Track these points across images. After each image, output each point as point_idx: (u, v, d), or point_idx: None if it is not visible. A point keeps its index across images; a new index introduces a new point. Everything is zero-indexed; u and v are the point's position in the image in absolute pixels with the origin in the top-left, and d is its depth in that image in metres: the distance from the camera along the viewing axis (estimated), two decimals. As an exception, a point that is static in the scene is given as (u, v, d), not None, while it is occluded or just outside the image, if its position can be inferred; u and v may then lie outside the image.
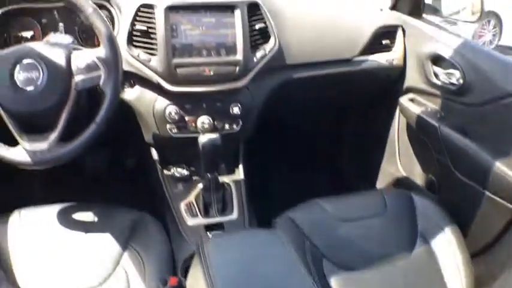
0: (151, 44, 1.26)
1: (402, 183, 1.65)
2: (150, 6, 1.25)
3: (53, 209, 1.24)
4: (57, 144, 1.06)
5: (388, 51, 1.55)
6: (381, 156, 1.75)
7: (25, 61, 1.04)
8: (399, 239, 1.22)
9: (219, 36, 1.29)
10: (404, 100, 1.57)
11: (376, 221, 1.24)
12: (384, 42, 1.53)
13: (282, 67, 1.40)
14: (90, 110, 1.13)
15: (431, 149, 1.49)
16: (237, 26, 1.29)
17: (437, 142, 1.42)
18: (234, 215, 1.32)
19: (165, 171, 1.42)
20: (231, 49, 1.30)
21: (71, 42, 1.29)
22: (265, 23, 1.33)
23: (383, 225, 1.23)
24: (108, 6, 1.32)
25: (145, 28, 1.25)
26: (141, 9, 1.26)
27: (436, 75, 1.45)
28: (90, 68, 1.07)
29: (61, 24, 1.35)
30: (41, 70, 1.04)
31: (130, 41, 1.26)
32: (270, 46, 1.34)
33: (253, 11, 1.32)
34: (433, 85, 1.47)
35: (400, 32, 1.56)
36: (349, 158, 1.96)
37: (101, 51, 1.09)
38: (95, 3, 1.30)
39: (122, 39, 1.25)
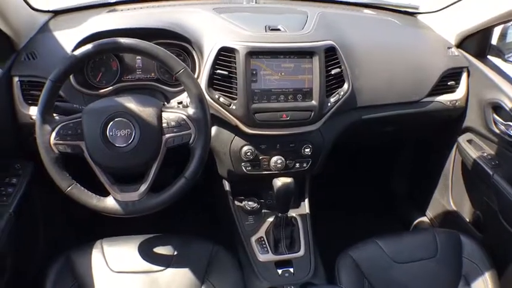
0: (231, 88, 1.20)
1: (451, 216, 1.60)
2: (231, 51, 1.19)
3: (134, 240, 1.23)
4: (147, 196, 1.05)
5: (452, 92, 1.46)
6: (434, 187, 1.68)
7: (118, 119, 1.01)
8: (445, 281, 1.24)
9: (297, 81, 1.23)
10: (462, 140, 1.49)
11: (427, 263, 1.24)
12: (449, 83, 1.44)
13: (353, 109, 1.34)
14: (179, 162, 1.11)
15: (482, 191, 1.44)
16: (314, 71, 1.22)
17: (489, 188, 1.37)
18: (301, 251, 1.29)
19: (237, 203, 1.38)
20: (308, 94, 1.23)
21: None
22: (340, 67, 1.26)
23: (433, 268, 1.24)
24: (190, 48, 1.27)
25: (226, 73, 1.20)
26: (222, 53, 1.20)
27: (495, 123, 1.38)
28: (181, 126, 1.03)
29: (139, 61, 1.31)
30: (133, 128, 1.01)
31: (211, 84, 1.21)
32: (343, 90, 1.27)
33: (330, 56, 1.24)
34: (491, 132, 1.39)
35: (465, 74, 1.47)
36: (404, 186, 1.90)
37: (191, 111, 1.05)
38: (176, 44, 1.29)
39: (202, 82, 1.20)
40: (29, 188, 1.24)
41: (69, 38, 1.24)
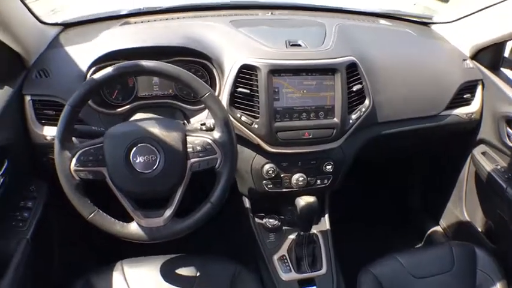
0: (252, 106, 1.16)
1: (464, 226, 1.59)
2: (253, 68, 1.15)
3: (155, 261, 1.18)
4: (172, 221, 1.00)
5: (468, 105, 1.44)
6: (448, 198, 1.67)
7: (141, 145, 0.97)
8: None
9: (319, 99, 1.19)
10: (477, 152, 1.48)
11: (444, 277, 1.23)
12: (465, 96, 1.42)
13: (373, 124, 1.30)
14: (203, 185, 1.07)
15: (496, 203, 1.43)
16: (336, 88, 1.19)
17: (502, 200, 1.36)
18: (323, 269, 1.26)
19: (257, 220, 1.35)
20: (330, 112, 1.20)
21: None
22: (361, 83, 1.22)
23: (450, 282, 1.23)
24: (210, 66, 1.22)
25: (248, 91, 1.16)
26: (243, 70, 1.16)
27: (508, 136, 1.36)
28: (207, 151, 0.99)
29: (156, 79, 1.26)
30: (157, 154, 0.97)
31: (232, 102, 1.17)
32: (365, 107, 1.24)
33: (351, 72, 1.21)
34: (505, 145, 1.38)
35: (479, 86, 1.45)
36: (418, 197, 1.88)
37: (217, 135, 1.01)
38: (196, 62, 1.24)
39: (224, 100, 1.16)
40: (45, 211, 1.19)
41: (83, 55, 1.19)
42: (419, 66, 1.39)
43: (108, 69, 0.96)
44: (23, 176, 1.20)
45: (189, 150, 0.99)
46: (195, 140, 1.00)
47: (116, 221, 1.00)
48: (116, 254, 1.22)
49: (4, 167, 1.07)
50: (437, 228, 1.71)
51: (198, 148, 0.99)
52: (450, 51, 1.48)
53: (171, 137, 0.98)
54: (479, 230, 1.54)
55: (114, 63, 1.15)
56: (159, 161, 0.97)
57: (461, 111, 1.44)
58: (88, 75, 1.17)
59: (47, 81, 1.17)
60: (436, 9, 1.79)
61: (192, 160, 0.99)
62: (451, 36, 1.53)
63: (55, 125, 1.16)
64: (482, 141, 1.49)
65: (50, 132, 1.17)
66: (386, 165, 1.84)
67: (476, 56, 1.48)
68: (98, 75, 0.96)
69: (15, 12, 1.09)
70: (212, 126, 1.08)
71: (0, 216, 1.10)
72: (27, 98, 1.15)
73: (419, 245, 1.73)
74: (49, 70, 1.18)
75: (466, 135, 1.50)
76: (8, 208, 1.13)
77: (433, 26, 1.60)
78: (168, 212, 1.00)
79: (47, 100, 1.16)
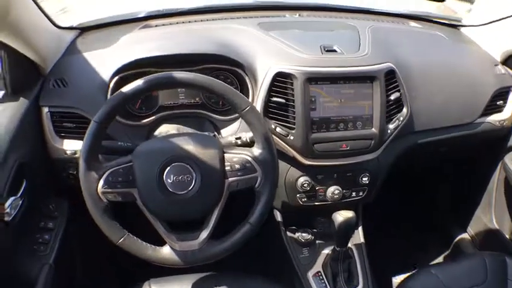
0: (287, 117, 1.08)
1: (493, 234, 1.53)
2: (288, 76, 1.06)
3: (184, 281, 1.09)
4: (208, 244, 0.92)
5: (500, 111, 1.38)
6: (477, 204, 1.61)
7: (176, 164, 0.88)
8: None
9: (357, 108, 1.11)
10: (508, 159, 1.42)
11: None
12: (498, 103, 1.36)
13: (409, 134, 1.23)
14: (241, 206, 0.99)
15: None
16: (374, 97, 1.11)
17: None
18: (360, 286, 1.18)
19: (289, 234, 1.26)
20: (368, 121, 1.12)
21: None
22: (399, 91, 1.15)
23: None
24: (242, 74, 1.12)
25: (283, 100, 1.07)
26: (278, 78, 1.07)
27: None
28: (246, 169, 0.91)
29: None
30: (193, 173, 0.88)
31: (266, 112, 1.08)
32: (403, 116, 1.16)
33: (389, 79, 1.13)
34: None
35: (511, 92, 1.38)
36: (447, 204, 1.81)
37: (257, 152, 0.92)
38: (226, 69, 1.14)
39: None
40: (66, 231, 1.10)
41: (104, 63, 1.09)
42: (454, 72, 1.31)
43: (138, 82, 0.86)
44: (42, 194, 1.10)
45: (227, 168, 0.90)
46: (233, 158, 0.91)
47: (148, 245, 0.91)
48: (142, 272, 1.13)
49: (23, 187, 0.97)
50: (465, 235, 1.65)
51: (237, 166, 0.91)
52: (482, 55, 1.41)
53: (207, 154, 0.89)
54: (508, 238, 1.49)
55: (139, 72, 1.07)
56: (195, 181, 0.88)
57: (494, 118, 1.37)
58: (111, 85, 1.07)
59: (65, 91, 1.07)
60: (459, 10, 1.71)
61: (230, 179, 0.91)
62: (481, 40, 1.46)
63: (75, 138, 1.07)
64: None
65: (69, 146, 1.07)
66: (415, 173, 1.78)
67: (506, 61, 1.41)
68: (127, 88, 0.86)
69: (29, 16, 0.99)
70: (248, 140, 1.00)
71: (20, 240, 1.00)
72: (45, 109, 1.05)
73: (446, 252, 1.68)
74: (67, 79, 1.08)
75: (497, 142, 1.44)
76: (27, 230, 1.04)
77: (462, 29, 1.53)
78: (204, 235, 0.92)
79: (67, 112, 1.06)
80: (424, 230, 1.77)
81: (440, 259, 1.67)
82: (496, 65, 1.40)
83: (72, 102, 1.06)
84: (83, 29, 1.26)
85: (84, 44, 1.19)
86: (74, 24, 1.25)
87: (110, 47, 1.14)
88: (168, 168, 0.88)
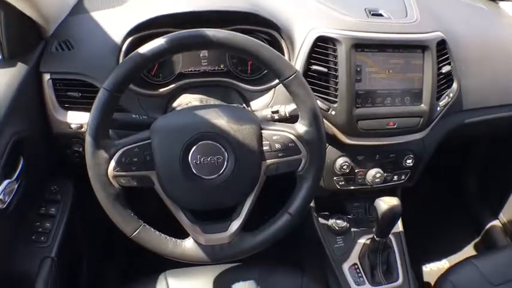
0: (328, 88, 0.91)
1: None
2: (331, 41, 0.89)
3: (205, 272, 0.93)
4: (239, 236, 0.75)
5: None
6: (509, 191, 1.46)
7: (204, 142, 0.70)
8: None
9: (405, 81, 0.94)
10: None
11: None
12: (544, 80, 1.22)
13: (457, 112, 1.07)
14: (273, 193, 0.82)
15: None
16: (425, 69, 0.94)
17: None
18: (400, 280, 1.03)
19: (322, 221, 1.09)
20: (417, 97, 0.95)
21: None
22: (450, 64, 0.98)
23: None
24: (277, 37, 0.94)
25: (325, 69, 0.90)
26: (319, 44, 0.90)
27: None
28: (288, 149, 0.73)
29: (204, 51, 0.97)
30: (225, 154, 0.70)
31: (305, 83, 0.92)
32: (453, 92, 1.00)
33: (440, 51, 0.97)
34: None
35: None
36: (477, 186, 1.64)
37: (302, 129, 0.74)
38: (261, 31, 0.94)
39: None
40: (71, 218, 0.91)
41: (116, 21, 0.90)
42: (500, 47, 1.14)
43: (160, 41, 0.67)
44: (42, 175, 0.91)
45: (266, 148, 0.73)
46: (273, 136, 0.73)
47: (168, 237, 0.74)
48: (158, 262, 0.95)
49: (19, 168, 0.78)
50: (497, 222, 1.51)
51: (277, 146, 0.73)
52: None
53: (242, 131, 0.71)
54: None
55: (156, 33, 0.87)
56: (227, 163, 0.71)
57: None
58: (124, 48, 0.88)
59: (71, 54, 0.88)
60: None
61: (269, 161, 0.73)
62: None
63: (81, 109, 0.88)
64: None
65: (75, 118, 0.89)
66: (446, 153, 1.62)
67: None
68: (145, 48, 0.67)
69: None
70: (288, 115, 0.82)
71: (16, 230, 0.82)
72: (46, 76, 0.87)
73: (477, 239, 1.53)
74: (73, 41, 0.89)
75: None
76: (25, 218, 0.85)
77: (500, 3, 1.37)
78: (235, 226, 0.75)
79: (71, 79, 0.87)
80: (454, 216, 1.62)
81: (471, 248, 1.53)
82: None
83: (78, 67, 0.87)
84: (92, -15, 1.05)
85: (91, 2, 0.99)
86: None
87: (123, 4, 0.94)
88: (195, 147, 0.70)
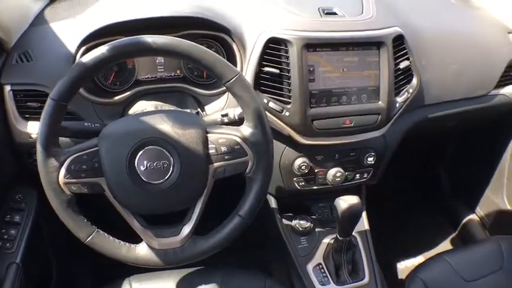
0: (282, 89, 0.87)
1: (505, 215, 1.33)
2: (283, 43, 0.85)
3: (169, 277, 0.91)
4: (191, 240, 0.73)
5: (515, 82, 1.17)
6: (486, 184, 1.39)
7: (149, 147, 0.68)
8: None
9: (361, 79, 0.90)
10: (524, 135, 1.22)
11: (495, 277, 1.00)
12: (512, 73, 1.15)
13: (419, 108, 1.02)
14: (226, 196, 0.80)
15: None
16: (381, 65, 0.90)
17: None
18: (366, 279, 0.99)
19: (285, 222, 1.05)
20: (374, 94, 0.91)
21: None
22: (409, 59, 0.94)
23: (502, 281, 1.01)
24: (229, 40, 0.91)
25: (277, 71, 0.86)
26: (271, 45, 0.86)
27: None
28: (234, 152, 0.71)
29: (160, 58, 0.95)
30: (171, 158, 0.68)
31: (257, 85, 0.87)
32: (412, 87, 0.95)
33: (398, 46, 0.92)
34: None
35: (527, 61, 1.17)
36: (451, 181, 1.58)
37: (247, 131, 0.71)
38: (210, 36, 0.91)
39: None
40: (36, 225, 0.90)
41: (71, 32, 0.87)
42: (466, 40, 1.09)
43: (101, 50, 0.66)
44: (6, 184, 0.90)
45: (212, 152, 0.71)
46: (219, 139, 0.71)
47: (121, 243, 0.72)
48: (123, 268, 0.93)
49: None
50: (473, 216, 1.44)
51: (223, 149, 0.71)
52: (493, 22, 1.18)
53: (187, 135, 0.69)
54: None
55: (109, 41, 0.85)
56: (173, 168, 0.69)
57: (509, 90, 1.15)
58: (77, 58, 0.86)
59: (30, 66, 0.86)
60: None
61: (216, 165, 0.71)
62: (491, 5, 1.23)
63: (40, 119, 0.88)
64: None
65: (34, 128, 0.87)
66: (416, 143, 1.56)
67: None
68: (87, 57, 0.66)
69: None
70: (237, 118, 0.79)
71: None
72: (7, 88, 0.85)
73: (453, 234, 1.47)
74: (32, 53, 0.87)
75: (510, 116, 1.22)
76: None
77: (471, -5, 1.30)
78: (187, 230, 0.73)
79: (30, 90, 0.85)
80: (429, 212, 1.56)
81: (447, 243, 1.47)
82: (510, 32, 1.17)
83: (36, 78, 0.86)
84: (53, -2, 1.03)
85: (53, 13, 0.97)
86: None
87: (79, 15, 0.92)
88: (141, 153, 0.68)
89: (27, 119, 0.87)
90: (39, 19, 0.95)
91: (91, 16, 0.90)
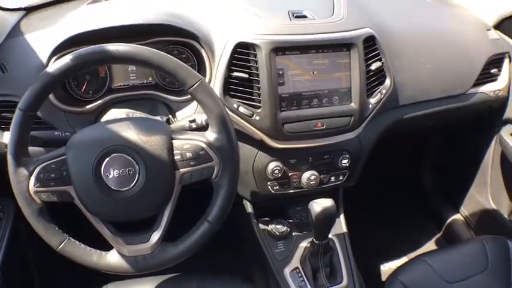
0: (252, 94, 0.85)
1: (489, 214, 1.30)
2: (251, 47, 0.83)
3: (146, 283, 0.89)
4: (161, 247, 0.72)
5: (494, 81, 1.14)
6: (470, 183, 1.36)
7: (114, 155, 0.67)
8: None
9: (332, 81, 0.88)
10: (504, 133, 1.18)
11: (480, 278, 0.97)
12: (492, 71, 1.12)
13: (393, 108, 1.00)
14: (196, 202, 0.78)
15: None
16: (352, 67, 0.88)
17: None
18: (344, 281, 0.97)
19: (262, 226, 1.04)
20: (345, 96, 0.89)
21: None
22: (381, 60, 0.91)
23: (486, 282, 0.97)
24: (197, 46, 0.89)
25: (245, 75, 0.84)
26: (239, 50, 0.84)
27: None
28: (200, 158, 0.70)
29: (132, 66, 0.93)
30: (136, 166, 0.68)
31: (227, 90, 0.86)
32: (385, 88, 0.93)
33: (369, 47, 0.90)
34: None
35: (506, 60, 1.14)
36: (435, 181, 1.55)
37: (212, 136, 0.70)
38: (179, 42, 0.89)
39: (216, 88, 0.85)
40: (14, 235, 0.89)
41: (44, 42, 0.86)
42: (443, 38, 1.07)
43: (65, 59, 0.66)
44: None
45: (177, 158, 0.70)
46: (184, 145, 0.70)
47: (92, 250, 0.72)
48: (102, 274, 0.92)
49: None
50: (458, 216, 1.41)
51: (189, 155, 0.70)
52: (472, 20, 1.16)
53: (152, 142, 0.68)
54: (508, 218, 1.25)
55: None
56: (138, 175, 0.68)
57: (489, 88, 1.13)
58: None
59: (5, 77, 0.86)
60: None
61: (182, 171, 0.70)
62: (470, 2, 1.20)
63: None
64: (510, 121, 1.18)
65: None
66: (399, 144, 1.52)
67: (500, 25, 1.16)
68: (52, 67, 0.66)
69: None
70: (204, 123, 0.78)
71: None
72: None
73: (438, 235, 1.44)
74: (7, 64, 0.86)
75: (491, 114, 1.20)
76: None
77: (449, -6, 1.28)
78: (156, 236, 0.72)
79: (5, 101, 0.85)
80: (413, 212, 1.52)
81: (431, 244, 1.43)
82: (488, 29, 1.15)
83: (11, 89, 0.85)
84: (28, 10, 1.02)
85: (28, 25, 0.97)
86: (19, 5, 1.03)
87: (52, 26, 0.91)
88: (106, 160, 0.68)
89: (3, 130, 0.87)
90: (15, 31, 0.95)
91: (63, 26, 0.89)
